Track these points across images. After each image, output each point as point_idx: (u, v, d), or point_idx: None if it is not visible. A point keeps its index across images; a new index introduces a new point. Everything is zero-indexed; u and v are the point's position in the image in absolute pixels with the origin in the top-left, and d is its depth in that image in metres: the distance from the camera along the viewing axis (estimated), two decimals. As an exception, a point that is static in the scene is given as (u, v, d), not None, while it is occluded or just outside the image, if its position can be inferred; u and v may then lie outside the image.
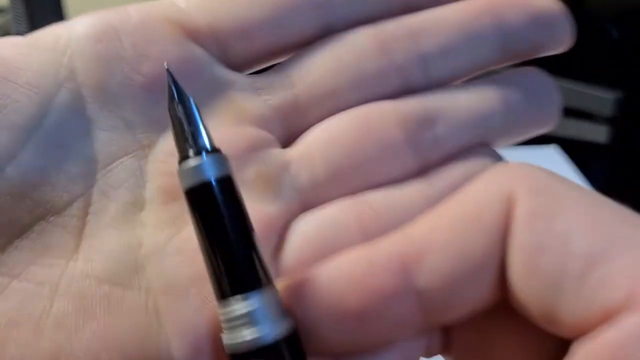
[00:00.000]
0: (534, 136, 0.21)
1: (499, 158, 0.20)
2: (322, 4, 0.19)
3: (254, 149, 0.18)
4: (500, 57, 0.20)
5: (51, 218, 0.16)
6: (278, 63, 0.20)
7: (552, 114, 0.20)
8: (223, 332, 0.15)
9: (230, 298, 0.14)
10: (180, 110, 0.16)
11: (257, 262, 0.15)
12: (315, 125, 0.19)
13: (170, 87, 0.16)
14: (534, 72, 0.20)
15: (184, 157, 0.15)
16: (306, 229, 0.18)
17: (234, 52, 0.19)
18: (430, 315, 0.14)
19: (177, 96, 0.16)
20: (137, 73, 0.18)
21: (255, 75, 0.20)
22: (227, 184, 0.15)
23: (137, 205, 0.17)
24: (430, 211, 0.15)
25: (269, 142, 0.19)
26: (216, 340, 0.15)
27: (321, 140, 0.19)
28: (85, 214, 0.17)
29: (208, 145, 0.16)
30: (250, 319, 0.14)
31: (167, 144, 0.17)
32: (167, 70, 0.16)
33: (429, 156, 0.19)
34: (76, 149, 0.17)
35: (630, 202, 0.14)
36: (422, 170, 0.19)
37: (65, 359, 0.15)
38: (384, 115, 0.19)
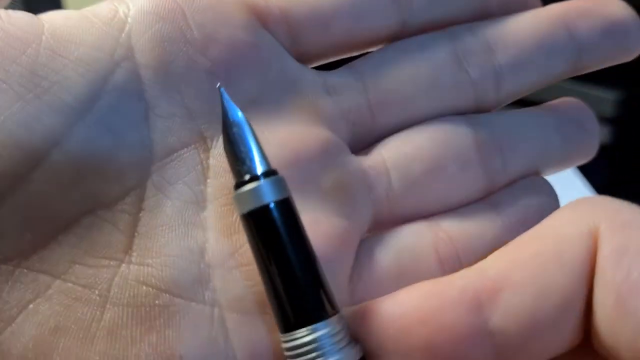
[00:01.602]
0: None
1: (551, 188, 0.20)
2: (400, 0, 0.19)
3: (327, 153, 0.17)
4: (571, 69, 0.20)
5: (100, 212, 0.15)
6: (349, 62, 0.19)
7: (594, 145, 0.20)
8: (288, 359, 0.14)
9: (295, 332, 0.14)
10: (234, 131, 0.15)
11: (321, 289, 0.14)
12: (391, 136, 0.18)
13: (223, 107, 0.15)
14: (580, 104, 0.20)
15: (240, 182, 0.15)
16: (382, 254, 0.17)
17: (305, 42, 0.18)
18: (504, 358, 0.13)
19: (231, 116, 0.15)
20: (202, 56, 0.16)
21: (325, 72, 0.19)
22: (286, 207, 0.15)
23: (197, 204, 0.16)
24: (506, 246, 0.14)
25: (341, 147, 0.18)
26: None
27: (400, 154, 0.18)
28: (139, 210, 0.15)
29: (264, 168, 0.15)
30: (316, 347, 0.14)
31: None
32: (219, 89, 0.15)
33: (496, 182, 0.19)
34: (130, 137, 0.15)
35: (630, 202, 0.14)
36: (487, 195, 0.19)
37: None
38: (461, 134, 0.19)
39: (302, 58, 0.18)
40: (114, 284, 0.15)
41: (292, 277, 0.14)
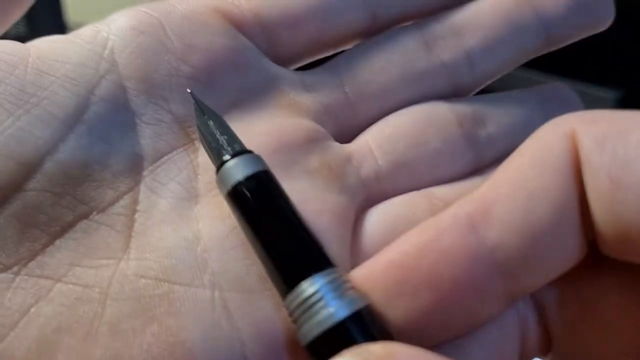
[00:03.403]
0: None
1: None
2: None
3: (311, 140, 0.18)
4: (544, 44, 0.20)
5: (96, 216, 0.15)
6: (325, 62, 0.20)
7: None
8: (296, 324, 0.14)
9: (296, 287, 0.14)
10: (206, 125, 0.16)
11: (314, 247, 0.15)
12: (372, 125, 0.19)
13: (197, 105, 0.16)
14: (561, 85, 0.21)
15: (220, 164, 0.15)
16: (379, 222, 0.17)
17: (280, 44, 0.19)
18: (512, 278, 0.13)
19: (201, 113, 0.16)
20: (183, 63, 0.17)
21: (301, 71, 0.19)
22: (264, 179, 0.15)
23: (190, 199, 0.16)
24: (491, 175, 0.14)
25: (325, 135, 0.18)
26: (293, 342, 0.14)
27: (382, 135, 0.19)
28: (133, 211, 0.16)
29: (236, 149, 0.15)
30: (320, 298, 0.14)
31: None
32: (190, 92, 0.16)
33: (484, 154, 0.19)
34: (120, 144, 0.16)
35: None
36: (478, 170, 0.19)
37: None
38: (440, 112, 0.19)
39: (279, 60, 0.19)
40: (113, 280, 0.15)
41: (280, 239, 0.15)
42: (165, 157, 0.16)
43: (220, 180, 0.15)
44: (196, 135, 0.17)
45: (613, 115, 0.13)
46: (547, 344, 0.14)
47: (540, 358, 0.15)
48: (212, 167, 0.16)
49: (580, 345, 0.14)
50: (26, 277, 0.15)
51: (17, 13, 0.20)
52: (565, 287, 0.14)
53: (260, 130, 0.17)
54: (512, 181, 0.13)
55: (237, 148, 0.16)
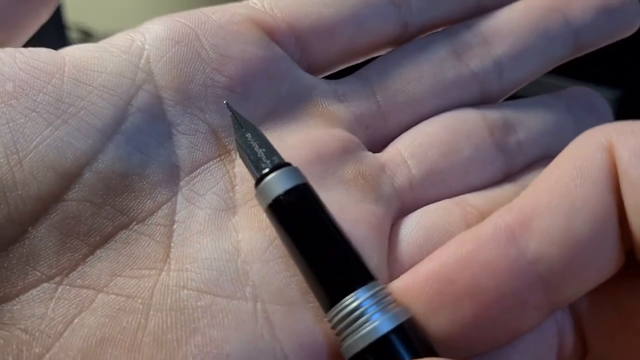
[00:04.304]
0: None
1: None
2: (400, 3, 0.19)
3: (346, 150, 0.18)
4: (572, 51, 0.20)
5: (135, 226, 0.16)
6: (356, 70, 0.20)
7: None
8: (339, 337, 0.14)
9: (340, 301, 0.14)
10: (248, 136, 0.16)
11: (355, 260, 0.15)
12: (404, 133, 0.19)
13: (234, 118, 0.16)
14: (588, 90, 0.21)
15: (260, 178, 0.15)
16: (414, 231, 0.17)
17: (313, 53, 0.19)
18: (552, 289, 0.13)
19: (240, 125, 0.16)
20: (219, 74, 0.17)
21: (334, 80, 0.19)
22: (303, 191, 0.15)
23: (228, 210, 0.16)
24: (529, 185, 0.14)
25: (358, 145, 0.19)
26: (335, 355, 0.15)
27: (415, 144, 0.19)
28: (172, 222, 0.16)
29: (275, 162, 0.16)
30: (363, 312, 0.14)
31: None
32: (227, 104, 0.16)
33: (515, 161, 0.19)
34: (157, 154, 0.16)
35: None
36: (509, 176, 0.19)
37: None
38: (471, 120, 0.19)
39: (312, 68, 0.19)
40: (155, 291, 0.15)
41: (323, 253, 0.15)
42: (202, 168, 0.17)
43: (260, 194, 0.15)
44: (232, 145, 0.17)
45: None
46: (583, 351, 0.15)
47: None
48: (248, 178, 0.16)
49: (616, 352, 0.14)
50: (68, 287, 0.15)
51: (46, 13, 0.20)
52: (603, 296, 0.14)
53: (295, 141, 0.17)
54: (552, 192, 0.13)
55: (276, 161, 0.16)
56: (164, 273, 0.15)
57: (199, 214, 0.16)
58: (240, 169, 0.17)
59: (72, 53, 0.16)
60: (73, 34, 0.93)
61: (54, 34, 0.72)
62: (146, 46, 0.17)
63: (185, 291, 0.15)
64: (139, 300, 0.15)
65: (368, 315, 0.14)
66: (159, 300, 0.15)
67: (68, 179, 0.15)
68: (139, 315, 0.15)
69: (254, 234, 0.16)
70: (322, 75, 0.20)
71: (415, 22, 0.20)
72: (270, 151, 0.16)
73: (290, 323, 0.15)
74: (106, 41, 0.17)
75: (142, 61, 0.17)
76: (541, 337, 0.14)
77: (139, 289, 0.15)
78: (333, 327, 0.14)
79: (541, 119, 0.20)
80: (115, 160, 0.16)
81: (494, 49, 0.20)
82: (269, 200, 0.15)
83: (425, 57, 0.19)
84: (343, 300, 0.14)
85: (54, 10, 0.19)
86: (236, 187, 0.17)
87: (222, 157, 0.17)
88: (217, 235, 0.16)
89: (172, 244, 0.16)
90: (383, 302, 0.14)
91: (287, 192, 0.15)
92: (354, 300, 0.14)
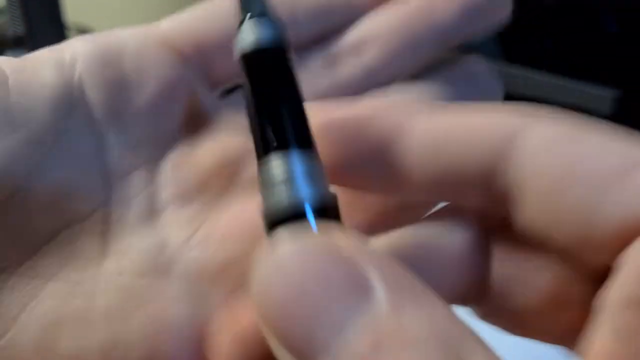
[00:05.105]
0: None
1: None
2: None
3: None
4: (441, 49, 0.21)
5: (75, 226, 0.17)
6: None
7: (496, 101, 0.21)
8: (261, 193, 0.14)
9: (272, 152, 0.14)
10: None
11: (304, 124, 0.15)
12: None
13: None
14: (477, 60, 0.21)
15: (241, 21, 0.16)
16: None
17: (216, 70, 0.20)
18: None
19: None
20: (141, 95, 0.19)
21: (227, 97, 0.21)
22: (281, 49, 0.16)
23: (155, 212, 0.18)
24: None
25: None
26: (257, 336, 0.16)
27: None
28: (107, 221, 0.18)
29: (264, 12, 0.16)
30: (291, 178, 0.13)
31: (175, 155, 0.19)
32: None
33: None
34: (91, 165, 0.18)
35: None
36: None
37: (124, 346, 0.16)
38: None
39: (215, 84, 0.20)
40: (98, 278, 0.17)
41: (279, 104, 0.15)
42: (132, 174, 0.18)
43: (242, 35, 0.16)
44: (155, 155, 0.19)
45: (568, 119, 0.13)
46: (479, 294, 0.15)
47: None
48: (170, 184, 0.18)
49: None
50: (19, 277, 0.17)
51: None
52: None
53: (207, 147, 0.19)
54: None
55: (263, 10, 0.16)
56: (104, 262, 0.17)
57: (130, 214, 0.18)
58: (163, 176, 0.19)
59: (9, 64, 0.18)
60: (73, 34, 0.93)
61: (54, 34, 0.72)
62: (77, 64, 0.18)
63: (124, 276, 0.17)
64: (85, 286, 0.17)
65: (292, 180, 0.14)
66: (102, 284, 0.17)
67: (12, 186, 0.17)
68: (87, 297, 0.16)
69: (178, 229, 0.18)
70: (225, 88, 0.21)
71: (300, 38, 0.20)
72: None
73: (220, 300, 0.17)
74: (36, 54, 0.18)
75: (76, 78, 0.18)
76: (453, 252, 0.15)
77: (84, 276, 0.17)
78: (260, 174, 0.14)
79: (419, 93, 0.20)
80: (53, 170, 0.17)
81: (364, 57, 0.20)
82: (244, 49, 0.16)
83: (299, 71, 0.21)
84: (274, 154, 0.14)
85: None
86: (162, 192, 0.18)
87: (148, 167, 0.19)
88: (146, 232, 0.18)
89: (108, 240, 0.17)
90: (312, 175, 0.14)
91: (264, 50, 0.16)
92: (284, 159, 0.14)
